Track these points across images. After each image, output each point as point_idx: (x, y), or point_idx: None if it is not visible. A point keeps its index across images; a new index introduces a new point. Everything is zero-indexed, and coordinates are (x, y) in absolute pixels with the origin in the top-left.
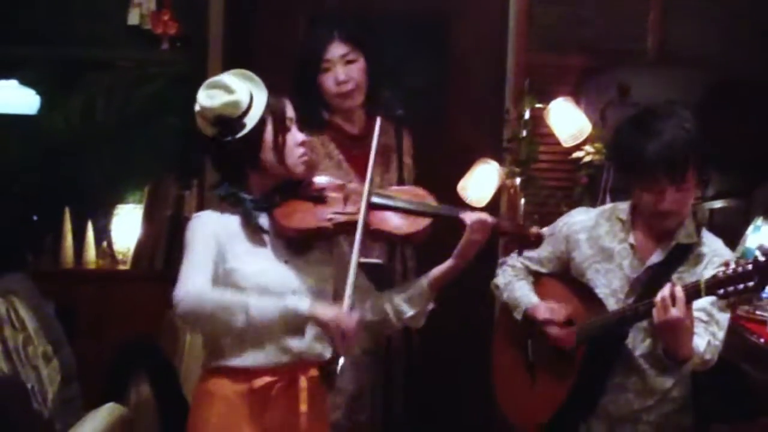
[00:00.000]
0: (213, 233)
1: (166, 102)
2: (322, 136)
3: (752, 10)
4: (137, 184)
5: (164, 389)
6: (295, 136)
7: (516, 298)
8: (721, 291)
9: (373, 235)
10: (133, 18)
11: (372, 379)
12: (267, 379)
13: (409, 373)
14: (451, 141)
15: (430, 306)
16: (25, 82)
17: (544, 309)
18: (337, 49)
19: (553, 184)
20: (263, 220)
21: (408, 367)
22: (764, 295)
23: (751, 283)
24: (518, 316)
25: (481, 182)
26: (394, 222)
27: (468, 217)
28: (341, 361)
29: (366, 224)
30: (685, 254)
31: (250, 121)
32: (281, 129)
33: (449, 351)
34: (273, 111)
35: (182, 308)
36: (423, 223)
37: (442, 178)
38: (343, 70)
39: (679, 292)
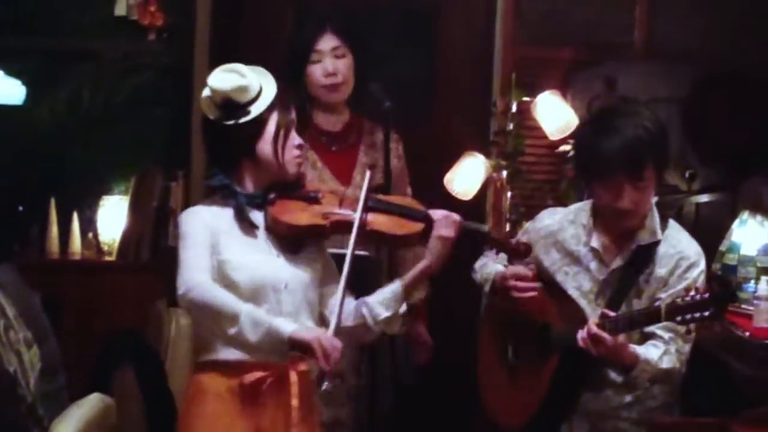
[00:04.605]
0: (206, 225)
1: (153, 93)
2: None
3: (739, 4)
4: (123, 176)
5: (149, 380)
6: (294, 138)
7: (487, 273)
8: (679, 318)
9: (369, 235)
10: (120, 9)
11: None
12: (258, 374)
13: (394, 378)
14: (438, 134)
15: (404, 309)
16: (11, 72)
17: (508, 270)
18: (328, 42)
19: (539, 177)
20: (255, 215)
21: (394, 373)
22: (750, 289)
23: (707, 313)
24: (487, 287)
25: (467, 175)
26: (390, 224)
27: (434, 214)
28: (326, 383)
29: (362, 224)
30: (648, 254)
31: (256, 110)
32: (284, 124)
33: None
34: (280, 108)
35: (187, 298)
36: (417, 227)
37: (428, 171)
38: (333, 62)
39: (593, 329)
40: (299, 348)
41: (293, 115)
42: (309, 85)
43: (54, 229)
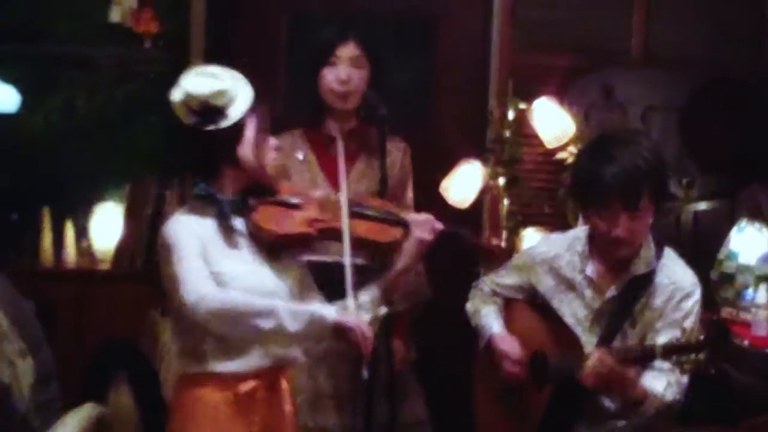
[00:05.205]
0: (196, 234)
1: (147, 101)
2: (294, 133)
3: (735, 11)
4: (118, 183)
5: (143, 389)
6: (270, 140)
7: (482, 326)
8: (674, 357)
9: (353, 242)
10: (115, 16)
11: (337, 383)
12: (252, 383)
13: (392, 382)
14: (434, 141)
15: (383, 311)
16: (5, 79)
17: (504, 342)
18: (350, 49)
19: (536, 185)
20: (237, 222)
21: (391, 377)
22: (747, 298)
23: (702, 355)
24: (482, 343)
25: (464, 183)
26: (373, 230)
27: (411, 218)
28: (365, 369)
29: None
30: (643, 284)
31: (234, 113)
32: (262, 128)
33: (432, 362)
34: (257, 109)
35: (202, 308)
36: (398, 232)
37: (425, 179)
38: (348, 70)
39: (608, 359)
40: (339, 334)
41: (268, 116)
42: (320, 87)
43: (48, 237)
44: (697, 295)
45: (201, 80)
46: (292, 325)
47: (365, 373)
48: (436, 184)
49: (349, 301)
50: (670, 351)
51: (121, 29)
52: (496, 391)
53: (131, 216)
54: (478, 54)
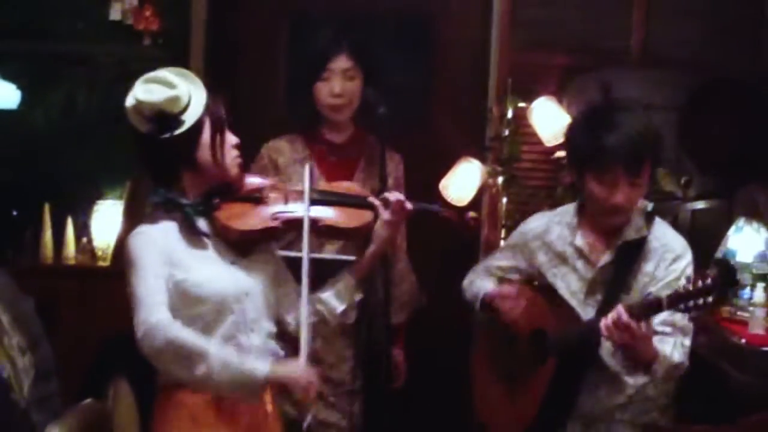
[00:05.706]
0: (158, 248)
1: None
2: (294, 138)
3: (735, 11)
4: (117, 180)
5: (143, 387)
6: (230, 138)
7: (476, 290)
8: (682, 305)
9: (324, 232)
10: (115, 13)
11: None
12: None
13: (388, 381)
14: (433, 140)
15: (358, 297)
16: (6, 76)
17: (495, 292)
18: (341, 62)
19: (535, 183)
20: (202, 224)
21: (388, 376)
22: (745, 296)
23: (710, 298)
24: (477, 305)
25: (462, 181)
26: (341, 216)
27: (378, 200)
28: (309, 417)
29: (315, 221)
30: (635, 250)
31: (189, 118)
32: (219, 129)
33: (429, 360)
34: (211, 110)
35: (147, 343)
36: (368, 215)
37: (424, 177)
38: (341, 84)
39: (624, 316)
40: (278, 385)
41: (224, 113)
42: (315, 100)
43: (48, 234)
44: (688, 258)
45: (152, 87)
46: (219, 376)
47: (309, 420)
48: (435, 182)
49: (303, 342)
50: (676, 300)
51: (121, 27)
52: (496, 377)
53: (131, 213)
54: (477, 53)
